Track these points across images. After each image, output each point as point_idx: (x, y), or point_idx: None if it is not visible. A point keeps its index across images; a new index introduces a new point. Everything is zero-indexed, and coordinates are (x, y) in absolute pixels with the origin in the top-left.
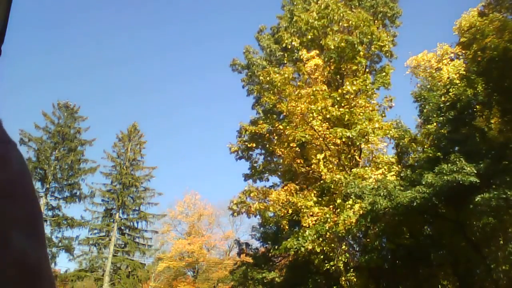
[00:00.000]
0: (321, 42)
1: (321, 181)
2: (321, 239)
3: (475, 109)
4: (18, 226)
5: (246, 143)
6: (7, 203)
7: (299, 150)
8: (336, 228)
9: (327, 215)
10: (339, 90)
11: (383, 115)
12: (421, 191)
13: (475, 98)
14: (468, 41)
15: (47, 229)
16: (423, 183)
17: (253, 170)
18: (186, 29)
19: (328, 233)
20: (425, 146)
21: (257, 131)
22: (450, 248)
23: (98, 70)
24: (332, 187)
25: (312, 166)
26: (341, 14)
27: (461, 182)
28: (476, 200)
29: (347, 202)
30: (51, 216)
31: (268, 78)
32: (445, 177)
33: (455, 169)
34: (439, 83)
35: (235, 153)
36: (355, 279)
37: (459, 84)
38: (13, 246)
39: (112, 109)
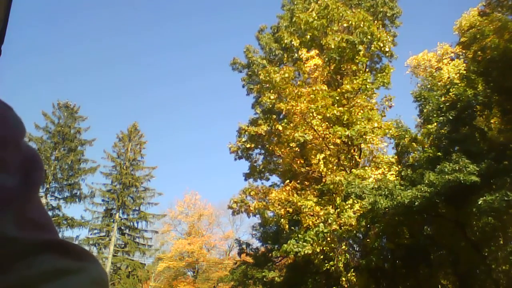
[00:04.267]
0: (321, 41)
1: (322, 183)
2: (321, 239)
3: (475, 109)
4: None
5: (246, 143)
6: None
7: (299, 150)
8: (339, 231)
9: (330, 215)
10: (339, 90)
11: (383, 114)
12: (422, 190)
13: (475, 98)
14: (468, 41)
15: None
16: (426, 182)
17: (252, 170)
18: (186, 28)
19: (328, 234)
20: (425, 146)
21: (256, 131)
22: (450, 248)
23: (98, 70)
24: (332, 188)
25: (312, 166)
26: (341, 14)
27: (462, 181)
28: (479, 203)
29: (347, 202)
30: (51, 216)
31: (268, 78)
32: (446, 176)
33: (457, 168)
34: (439, 83)
35: (235, 153)
36: (355, 279)
37: (459, 84)
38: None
39: (112, 109)
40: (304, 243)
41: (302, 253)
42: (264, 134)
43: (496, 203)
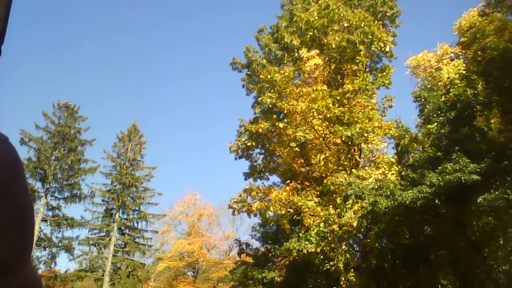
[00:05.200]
0: (321, 41)
1: (323, 184)
2: (321, 239)
3: (475, 109)
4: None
5: (246, 142)
6: None
7: (299, 150)
8: (339, 231)
9: (331, 216)
10: (339, 90)
11: (383, 114)
12: (424, 191)
13: (475, 98)
14: (468, 41)
15: (47, 229)
16: (427, 183)
17: (253, 170)
18: (186, 29)
19: (329, 234)
20: (426, 146)
21: (257, 129)
22: (450, 248)
23: (98, 70)
24: (333, 189)
25: (312, 166)
26: (341, 14)
27: (463, 181)
28: (479, 201)
29: (347, 202)
30: (51, 216)
31: (269, 77)
32: (447, 177)
33: (458, 168)
34: (439, 83)
35: (235, 152)
36: (355, 279)
37: (459, 84)
38: None
39: (112, 109)
40: (306, 242)
41: (305, 251)
42: (264, 132)
43: (496, 202)
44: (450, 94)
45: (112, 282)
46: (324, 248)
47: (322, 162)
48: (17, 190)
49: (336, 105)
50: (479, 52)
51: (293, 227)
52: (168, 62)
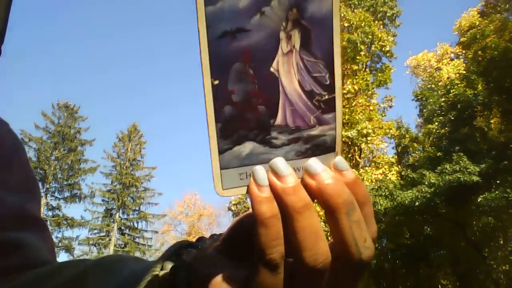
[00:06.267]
0: None
1: None
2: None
3: (475, 109)
4: (13, 190)
5: None
6: (3, 173)
7: None
8: None
9: None
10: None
11: (383, 114)
12: (423, 190)
13: (475, 98)
14: (468, 41)
15: None
16: (426, 183)
17: None
18: (186, 28)
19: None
20: (426, 146)
21: None
22: (450, 248)
23: (98, 70)
24: None
25: None
26: (342, 14)
27: (463, 182)
28: (479, 200)
29: None
30: (51, 216)
31: None
32: (447, 177)
33: (458, 169)
34: (439, 83)
35: None
36: None
37: (459, 84)
38: (8, 204)
39: (112, 109)
40: None
41: None
42: None
43: (496, 202)
44: (450, 94)
45: None
46: None
47: None
48: (26, 159)
49: None
50: (479, 52)
51: None
52: (169, 61)
